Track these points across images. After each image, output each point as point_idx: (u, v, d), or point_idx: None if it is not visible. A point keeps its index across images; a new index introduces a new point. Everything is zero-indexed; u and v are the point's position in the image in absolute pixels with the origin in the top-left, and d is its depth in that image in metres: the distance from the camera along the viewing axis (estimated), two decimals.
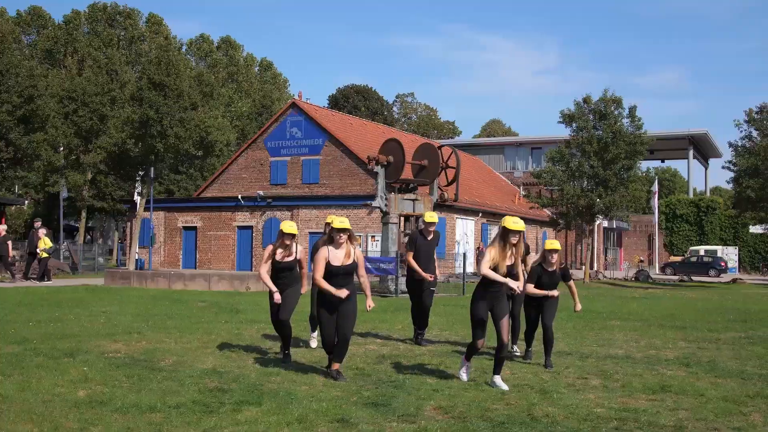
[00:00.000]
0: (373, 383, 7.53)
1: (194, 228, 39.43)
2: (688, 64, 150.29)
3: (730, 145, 29.11)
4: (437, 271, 11.00)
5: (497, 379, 7.49)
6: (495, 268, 7.41)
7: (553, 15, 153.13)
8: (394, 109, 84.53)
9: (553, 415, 6.23)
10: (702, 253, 45.23)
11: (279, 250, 8.76)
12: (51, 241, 26.09)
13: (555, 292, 8.99)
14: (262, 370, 8.15)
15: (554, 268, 8.97)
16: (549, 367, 8.68)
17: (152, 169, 31.49)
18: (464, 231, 40.98)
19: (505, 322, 7.51)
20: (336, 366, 7.76)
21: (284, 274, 8.81)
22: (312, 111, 40.37)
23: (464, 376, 7.78)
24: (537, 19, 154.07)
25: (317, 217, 35.70)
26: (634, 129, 31.47)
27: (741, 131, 28.77)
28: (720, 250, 46.26)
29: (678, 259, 46.97)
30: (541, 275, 8.97)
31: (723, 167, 29.56)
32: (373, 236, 34.43)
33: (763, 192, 27.61)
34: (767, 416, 6.41)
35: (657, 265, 48.10)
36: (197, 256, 39.27)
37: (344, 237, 7.74)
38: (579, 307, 9.49)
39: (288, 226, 8.73)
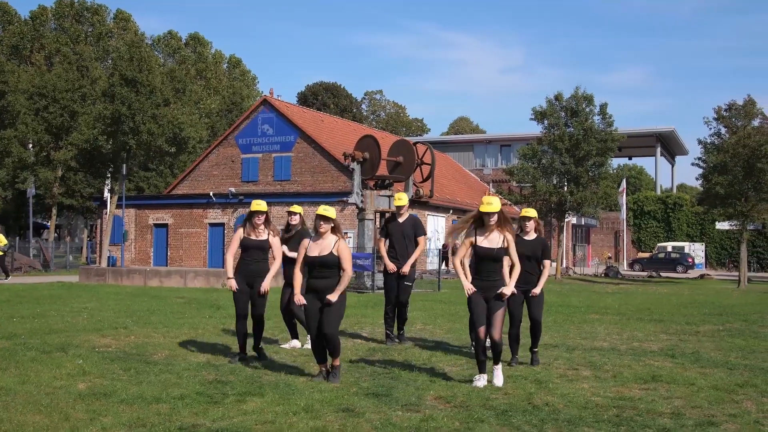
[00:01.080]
0: (369, 375, 7.59)
1: (165, 225, 39.07)
2: (651, 63, 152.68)
3: (700, 142, 29.71)
4: (410, 261, 9.89)
5: (496, 370, 7.28)
6: (477, 260, 7.15)
7: (517, 13, 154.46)
8: (363, 106, 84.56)
9: (552, 403, 6.35)
10: (669, 249, 46.04)
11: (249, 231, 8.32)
12: (5, 238, 26.01)
13: (537, 290, 8.42)
14: (257, 363, 8.17)
15: (531, 237, 8.49)
16: (536, 363, 8.47)
17: (124, 165, 31.16)
18: (435, 228, 41.21)
19: (498, 316, 7.14)
20: (334, 363, 7.24)
21: (253, 253, 8.31)
22: (283, 108, 40.27)
23: (480, 382, 7.09)
24: (501, 17, 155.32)
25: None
26: (605, 126, 31.96)
27: (710, 129, 29.40)
28: (687, 246, 47.15)
29: (646, 255, 47.73)
30: (517, 245, 8.08)
31: (692, 164, 30.14)
32: (345, 233, 34.47)
33: (732, 188, 28.21)
34: (759, 404, 6.60)
35: (625, 261, 48.83)
36: (168, 253, 38.92)
37: (325, 226, 7.21)
38: (537, 291, 8.45)
39: (256, 204, 8.26)
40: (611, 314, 15.10)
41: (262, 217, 8.28)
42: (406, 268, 9.88)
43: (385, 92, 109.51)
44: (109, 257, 32.59)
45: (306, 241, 7.37)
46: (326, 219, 7.21)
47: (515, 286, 7.43)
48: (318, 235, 7.27)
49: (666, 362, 8.86)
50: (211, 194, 37.66)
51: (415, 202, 24.38)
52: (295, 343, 9.48)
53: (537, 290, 8.45)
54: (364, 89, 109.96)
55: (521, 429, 5.47)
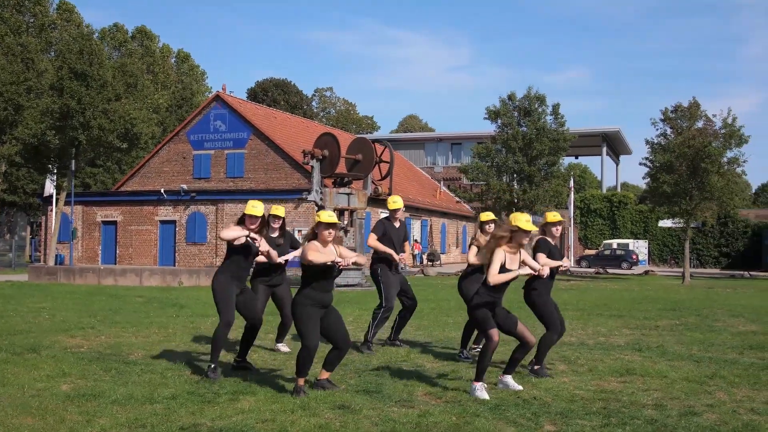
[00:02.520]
0: (354, 372, 7.65)
1: (114, 222, 38.32)
2: (593, 63, 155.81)
3: (647, 142, 30.51)
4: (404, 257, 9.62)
5: (508, 378, 7.05)
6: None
7: (462, 12, 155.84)
8: (314, 103, 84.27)
9: (540, 397, 6.52)
10: (615, 246, 47.14)
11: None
12: None
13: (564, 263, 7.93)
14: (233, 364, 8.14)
15: (556, 242, 8.06)
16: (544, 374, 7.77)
17: (73, 161, 30.45)
18: None
19: (522, 326, 6.98)
20: (326, 375, 6.78)
21: (248, 257, 7.52)
22: (236, 104, 39.88)
23: (485, 394, 6.59)
24: (447, 15, 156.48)
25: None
26: (557, 126, 32.60)
27: (657, 129, 30.24)
28: (631, 243, 48.36)
29: (592, 252, 48.78)
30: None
31: (640, 163, 30.84)
32: (300, 230, 34.39)
33: (677, 187, 29.09)
34: (730, 394, 6.90)
35: (572, 258, 49.81)
36: (117, 251, 38.18)
37: (333, 234, 6.63)
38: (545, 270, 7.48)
39: (251, 207, 7.43)
40: (571, 310, 15.41)
41: (257, 222, 7.43)
42: (405, 255, 9.61)
43: (335, 89, 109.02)
44: (57, 255, 31.78)
45: (315, 245, 6.57)
46: (334, 226, 6.63)
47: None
48: (323, 243, 6.62)
49: (635, 356, 9.15)
50: (162, 191, 37.09)
51: (374, 199, 24.54)
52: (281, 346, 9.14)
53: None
54: (315, 86, 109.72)
55: (517, 422, 5.62)
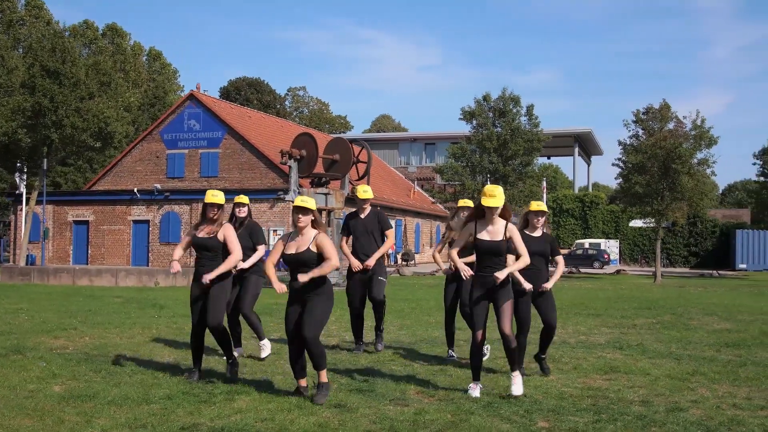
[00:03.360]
0: (344, 372, 7.71)
1: (86, 222, 37.90)
2: (563, 65, 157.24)
3: (620, 143, 31.01)
4: (376, 255, 9.13)
5: (515, 377, 6.73)
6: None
7: (432, 12, 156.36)
8: (287, 102, 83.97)
9: (530, 395, 6.65)
10: (587, 246, 47.72)
11: (203, 227, 7.30)
12: None
13: (548, 284, 7.64)
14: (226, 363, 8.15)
15: (538, 233, 7.70)
16: (547, 371, 7.84)
17: (45, 160, 30.08)
18: None
19: (507, 309, 6.66)
20: (321, 378, 6.36)
21: (202, 255, 7.25)
22: (211, 103, 39.67)
23: (476, 392, 6.63)
24: (417, 16, 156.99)
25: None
26: (532, 127, 32.95)
27: (629, 130, 30.73)
28: (603, 243, 48.99)
29: (565, 251, 49.33)
30: (525, 242, 7.08)
31: (613, 164, 31.33)
32: (275, 230, 34.33)
33: (649, 188, 29.58)
34: (712, 390, 7.09)
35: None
36: (89, 251, 37.78)
37: (304, 219, 6.36)
38: (549, 285, 7.66)
39: (211, 195, 7.23)
40: None
41: (217, 211, 7.25)
42: (370, 262, 9.04)
43: (308, 89, 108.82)
44: (28, 255, 31.36)
45: (284, 238, 6.55)
46: (303, 210, 6.36)
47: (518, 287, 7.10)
48: (296, 228, 6.43)
49: (617, 354, 9.33)
50: (135, 190, 36.79)
51: (351, 199, 24.59)
52: (240, 350, 8.74)
53: (549, 284, 7.62)
54: (287, 85, 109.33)
55: (511, 419, 5.73)
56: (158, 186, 36.75)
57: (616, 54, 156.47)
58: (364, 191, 9.38)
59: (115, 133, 30.05)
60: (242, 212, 8.66)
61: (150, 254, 36.74)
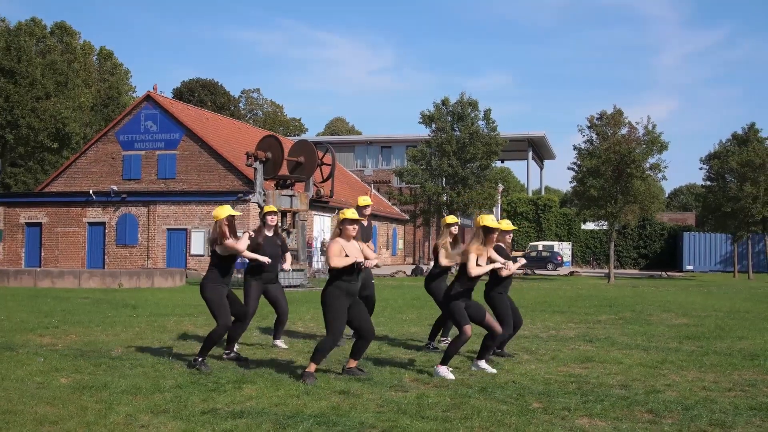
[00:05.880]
0: (339, 363, 8.02)
1: (39, 224, 37.29)
2: (512, 69, 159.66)
3: (575, 147, 31.90)
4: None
5: (482, 363, 7.76)
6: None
7: (383, 13, 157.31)
8: (241, 104, 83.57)
9: (519, 381, 7.10)
10: (541, 248, 48.79)
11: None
12: None
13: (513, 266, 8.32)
14: (224, 357, 8.41)
15: (508, 249, 8.65)
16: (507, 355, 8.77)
17: (0, 161, 29.60)
18: (321, 227, 41.72)
19: (489, 317, 7.67)
20: (354, 363, 7.34)
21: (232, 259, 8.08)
22: (168, 104, 39.42)
23: (449, 375, 7.32)
24: (369, 18, 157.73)
25: (175, 214, 35.13)
26: (489, 131, 33.67)
27: (583, 135, 31.64)
28: (556, 245, 50.16)
29: (519, 253, 50.24)
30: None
31: (568, 168, 32.17)
32: (244, 232, 34.28)
33: (603, 191, 30.53)
34: (681, 375, 7.64)
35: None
36: (42, 253, 37.18)
37: (356, 229, 7.17)
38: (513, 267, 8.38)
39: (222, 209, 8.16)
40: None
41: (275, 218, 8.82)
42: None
43: (262, 91, 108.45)
44: None
45: (338, 245, 7.04)
46: (357, 221, 7.15)
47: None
48: (347, 238, 7.09)
49: (588, 346, 9.86)
50: (90, 192, 36.36)
51: (316, 201, 24.88)
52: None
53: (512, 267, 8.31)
54: (241, 87, 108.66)
55: (506, 401, 6.16)
56: (114, 188, 36.37)
57: (567, 59, 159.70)
58: (364, 200, 9.69)
59: (72, 134, 29.71)
60: (273, 220, 9.21)
61: (106, 257, 36.32)
